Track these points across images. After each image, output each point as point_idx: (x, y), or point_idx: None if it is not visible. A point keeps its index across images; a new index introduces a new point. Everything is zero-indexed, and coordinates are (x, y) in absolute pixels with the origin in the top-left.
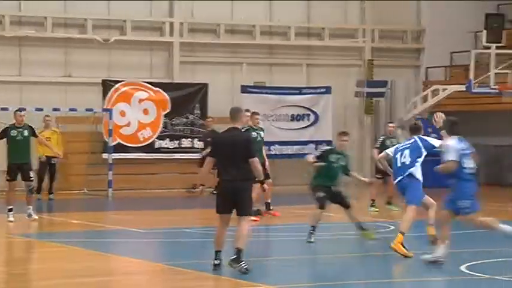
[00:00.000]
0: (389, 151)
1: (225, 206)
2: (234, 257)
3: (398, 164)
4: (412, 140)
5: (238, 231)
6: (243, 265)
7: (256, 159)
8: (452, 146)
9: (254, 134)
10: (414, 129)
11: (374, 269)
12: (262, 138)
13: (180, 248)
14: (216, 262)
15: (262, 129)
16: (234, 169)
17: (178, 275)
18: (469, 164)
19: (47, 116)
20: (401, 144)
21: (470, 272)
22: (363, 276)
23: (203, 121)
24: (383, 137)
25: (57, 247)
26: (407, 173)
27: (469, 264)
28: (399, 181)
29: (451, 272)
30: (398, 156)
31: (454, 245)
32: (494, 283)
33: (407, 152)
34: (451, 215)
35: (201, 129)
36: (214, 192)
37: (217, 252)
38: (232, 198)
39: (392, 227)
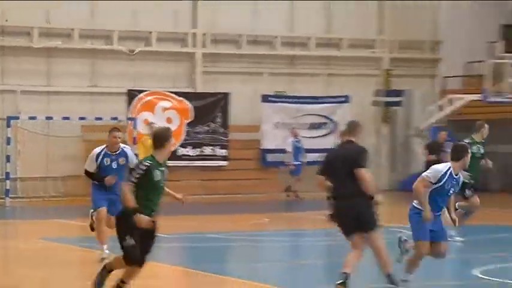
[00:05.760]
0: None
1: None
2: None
3: None
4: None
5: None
6: None
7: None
8: None
9: None
10: None
11: None
12: None
13: (203, 253)
14: None
15: None
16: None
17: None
18: None
19: None
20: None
21: (484, 277)
22: None
23: (224, 130)
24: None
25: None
26: None
27: (483, 268)
28: None
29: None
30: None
31: (468, 251)
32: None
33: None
34: None
35: (222, 137)
36: None
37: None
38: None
39: None
